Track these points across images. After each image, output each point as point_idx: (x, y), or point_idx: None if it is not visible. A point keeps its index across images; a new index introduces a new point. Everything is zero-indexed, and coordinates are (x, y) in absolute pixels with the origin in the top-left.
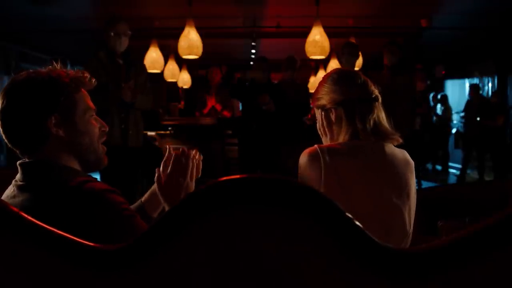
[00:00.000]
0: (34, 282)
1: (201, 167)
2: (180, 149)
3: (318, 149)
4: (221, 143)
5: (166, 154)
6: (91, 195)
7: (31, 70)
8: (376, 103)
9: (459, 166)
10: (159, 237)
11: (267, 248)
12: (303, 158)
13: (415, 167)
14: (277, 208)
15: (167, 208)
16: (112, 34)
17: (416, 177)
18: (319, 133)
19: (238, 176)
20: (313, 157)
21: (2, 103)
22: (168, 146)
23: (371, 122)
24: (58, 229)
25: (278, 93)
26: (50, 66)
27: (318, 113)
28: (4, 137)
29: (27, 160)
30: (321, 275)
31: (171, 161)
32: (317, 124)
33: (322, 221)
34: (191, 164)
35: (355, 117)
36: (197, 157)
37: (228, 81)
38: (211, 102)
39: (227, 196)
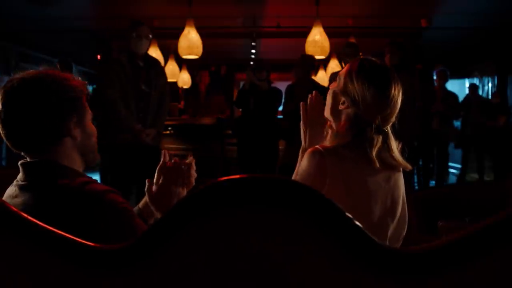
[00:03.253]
0: (34, 282)
1: (195, 175)
2: (173, 160)
3: (322, 150)
4: (221, 143)
5: (161, 162)
6: (92, 195)
7: (43, 71)
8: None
9: (459, 166)
10: (159, 237)
11: (267, 248)
12: (308, 158)
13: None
14: (277, 208)
15: (159, 217)
16: (134, 35)
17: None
18: (305, 124)
19: (238, 176)
20: (318, 158)
21: (18, 102)
22: (164, 151)
23: (379, 150)
24: (60, 229)
25: (276, 96)
26: (54, 68)
27: (333, 96)
28: (8, 137)
29: (29, 160)
30: (321, 275)
31: (163, 171)
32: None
33: (322, 221)
34: (182, 173)
35: (367, 135)
36: (192, 164)
37: (226, 80)
38: (205, 110)
39: (227, 196)
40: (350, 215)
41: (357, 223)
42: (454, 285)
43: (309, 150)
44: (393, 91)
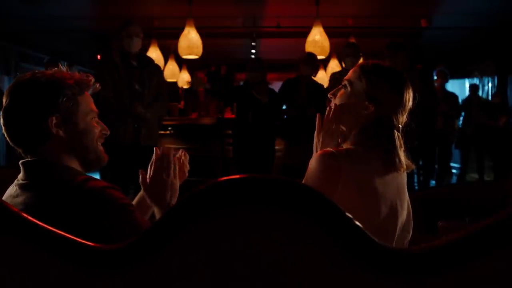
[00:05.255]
0: (34, 282)
1: (188, 167)
2: (161, 149)
3: (335, 152)
4: (220, 143)
5: (153, 157)
6: (92, 192)
7: (36, 71)
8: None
9: (459, 166)
10: (159, 237)
11: (267, 248)
12: (318, 160)
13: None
14: (277, 208)
15: (155, 208)
16: (124, 34)
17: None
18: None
19: (238, 176)
20: (330, 160)
21: (6, 101)
22: (155, 148)
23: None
24: (61, 227)
25: (277, 110)
26: (56, 68)
27: (348, 96)
28: (6, 135)
29: (29, 159)
30: (321, 275)
31: (153, 161)
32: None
33: (322, 221)
34: (173, 162)
35: (383, 133)
36: (183, 157)
37: (227, 80)
38: (204, 112)
39: (227, 196)
40: (350, 215)
41: (357, 223)
42: (454, 285)
43: (320, 152)
44: (406, 87)
